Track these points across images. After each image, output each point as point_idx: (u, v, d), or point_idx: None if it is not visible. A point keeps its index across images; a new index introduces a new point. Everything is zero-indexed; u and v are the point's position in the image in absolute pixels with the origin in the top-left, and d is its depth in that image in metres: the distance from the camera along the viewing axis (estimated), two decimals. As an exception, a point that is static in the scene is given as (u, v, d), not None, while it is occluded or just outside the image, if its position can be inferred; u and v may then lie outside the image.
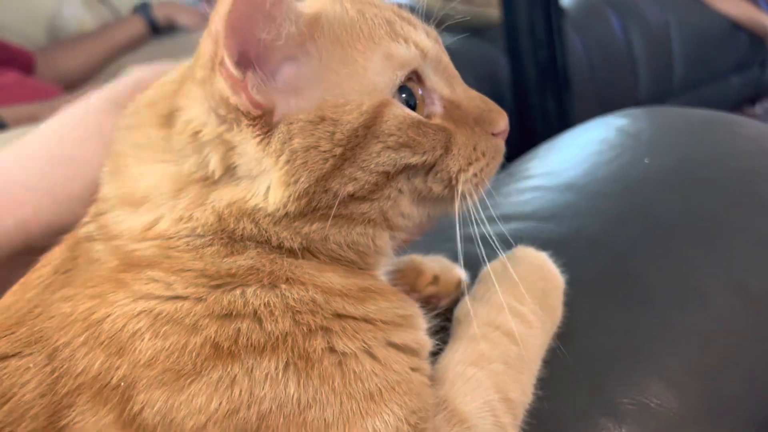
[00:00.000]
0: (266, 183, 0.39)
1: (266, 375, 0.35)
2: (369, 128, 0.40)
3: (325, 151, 0.39)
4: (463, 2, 2.31)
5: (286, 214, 0.39)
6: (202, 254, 0.39)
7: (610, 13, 2.19)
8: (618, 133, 0.79)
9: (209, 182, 0.40)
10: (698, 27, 2.36)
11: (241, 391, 0.35)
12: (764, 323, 0.55)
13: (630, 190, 0.68)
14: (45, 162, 0.51)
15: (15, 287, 0.42)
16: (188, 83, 0.41)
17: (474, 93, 0.46)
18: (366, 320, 0.40)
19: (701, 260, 0.59)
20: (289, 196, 0.39)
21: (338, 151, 0.39)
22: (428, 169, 0.43)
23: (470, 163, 0.44)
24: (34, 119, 1.29)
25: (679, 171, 0.70)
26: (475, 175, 0.45)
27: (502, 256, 0.50)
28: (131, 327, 0.36)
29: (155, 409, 0.34)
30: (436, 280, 0.55)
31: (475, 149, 0.45)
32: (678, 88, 2.35)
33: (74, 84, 1.61)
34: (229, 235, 0.40)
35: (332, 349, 0.38)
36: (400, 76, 0.41)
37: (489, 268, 0.51)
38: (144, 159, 0.42)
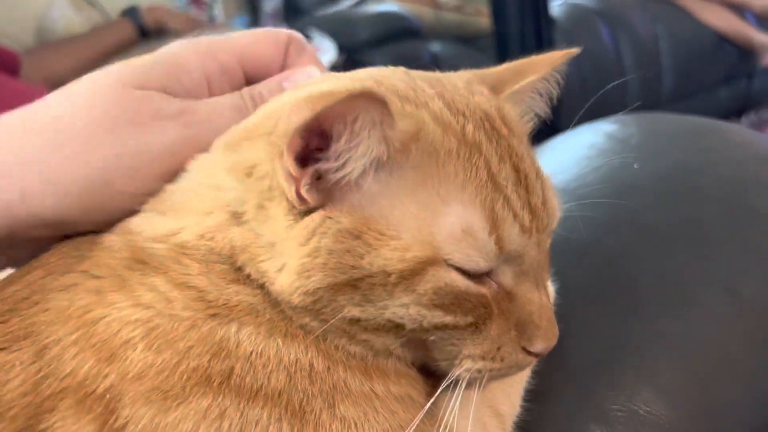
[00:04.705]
0: (282, 261, 0.36)
1: (257, 421, 0.34)
2: (404, 278, 0.35)
3: (345, 265, 0.35)
4: (454, 11, 2.32)
5: (290, 302, 0.36)
6: (210, 269, 0.38)
7: (600, 24, 2.21)
8: (607, 138, 0.78)
9: (238, 217, 0.38)
10: (687, 39, 2.39)
11: (231, 425, 0.33)
12: (757, 329, 0.54)
13: (619, 196, 0.68)
14: (44, 139, 0.42)
15: (41, 258, 0.40)
16: (264, 133, 0.38)
17: (538, 299, 0.40)
18: (372, 394, 0.38)
19: (692, 266, 0.58)
20: (298, 288, 0.36)
21: (357, 274, 0.35)
22: (444, 333, 0.38)
23: (483, 358, 0.39)
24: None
25: (669, 177, 0.70)
26: (479, 371, 0.40)
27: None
28: (125, 334, 0.35)
29: (140, 426, 0.33)
30: None
31: (499, 349, 0.39)
32: (666, 100, 2.38)
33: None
34: (239, 268, 0.38)
35: (332, 409, 0.36)
36: (460, 260, 0.36)
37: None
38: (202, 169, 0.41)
